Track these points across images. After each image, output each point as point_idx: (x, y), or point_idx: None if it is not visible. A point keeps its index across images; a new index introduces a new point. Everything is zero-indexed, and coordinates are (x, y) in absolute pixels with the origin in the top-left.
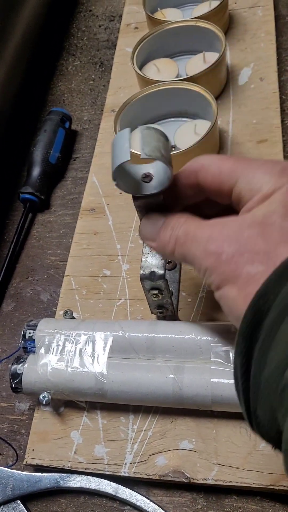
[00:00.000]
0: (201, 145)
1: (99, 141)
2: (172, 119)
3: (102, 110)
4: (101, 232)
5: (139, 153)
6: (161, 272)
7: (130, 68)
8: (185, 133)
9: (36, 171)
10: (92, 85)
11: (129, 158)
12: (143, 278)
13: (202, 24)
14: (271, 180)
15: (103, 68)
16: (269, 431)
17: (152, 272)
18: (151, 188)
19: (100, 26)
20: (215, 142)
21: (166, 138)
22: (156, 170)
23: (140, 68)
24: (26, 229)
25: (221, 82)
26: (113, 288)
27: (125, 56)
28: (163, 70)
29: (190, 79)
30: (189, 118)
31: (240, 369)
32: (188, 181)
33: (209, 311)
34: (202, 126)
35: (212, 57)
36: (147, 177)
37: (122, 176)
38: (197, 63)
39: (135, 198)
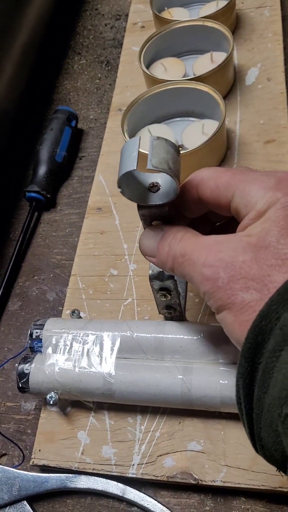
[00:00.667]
0: (209, 145)
1: (106, 140)
2: (178, 118)
3: (108, 109)
4: (108, 231)
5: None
6: (171, 273)
7: (136, 67)
8: (193, 133)
9: (42, 170)
10: (98, 84)
11: (135, 168)
12: (152, 278)
13: (210, 23)
14: (266, 195)
15: (109, 67)
16: (274, 453)
17: (161, 272)
18: (157, 198)
19: (106, 25)
20: (223, 142)
21: (176, 150)
22: (164, 180)
23: (147, 67)
24: (32, 228)
25: (229, 82)
26: (120, 287)
27: (131, 55)
28: (170, 70)
29: (197, 79)
30: (196, 118)
31: (243, 390)
32: (189, 195)
33: None
34: (209, 126)
35: (219, 57)
36: (154, 187)
37: (129, 183)
38: (205, 63)
39: (140, 207)
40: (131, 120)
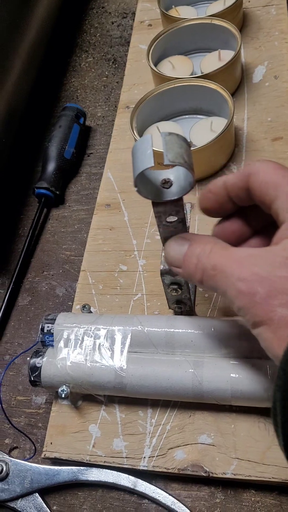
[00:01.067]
0: (217, 142)
1: (114, 137)
2: (187, 116)
3: (116, 107)
4: (117, 227)
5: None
6: None
7: (144, 65)
8: (201, 130)
9: (51, 166)
10: (105, 82)
11: (153, 164)
12: (163, 273)
13: (218, 22)
14: None
15: (116, 65)
16: None
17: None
18: (171, 194)
19: (113, 23)
20: (231, 139)
21: (188, 144)
22: (176, 176)
23: (155, 65)
24: (41, 224)
25: (236, 80)
26: (129, 283)
27: (138, 53)
28: (178, 67)
29: (205, 77)
30: (204, 115)
31: (281, 403)
32: (241, 182)
33: (226, 307)
34: (218, 123)
35: (227, 55)
36: (167, 183)
37: (142, 181)
38: (212, 61)
39: (155, 204)
40: (140, 118)
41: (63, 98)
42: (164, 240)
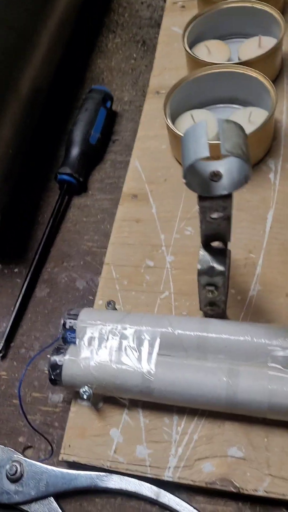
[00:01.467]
0: (256, 134)
1: (142, 124)
2: (221, 105)
3: (144, 91)
4: (143, 220)
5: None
6: (221, 268)
7: (175, 49)
8: (238, 121)
9: (75, 151)
10: (133, 65)
11: (208, 154)
12: (200, 272)
13: (259, 5)
14: None
15: (145, 47)
16: None
17: (211, 267)
18: (221, 188)
19: (142, 3)
20: (271, 132)
21: (245, 134)
22: (227, 168)
23: (190, 49)
24: (62, 212)
25: (276, 69)
26: (156, 280)
27: (170, 36)
28: (214, 53)
29: (244, 64)
30: (239, 105)
31: None
32: None
33: (260, 312)
34: (256, 115)
35: (267, 41)
36: (216, 176)
37: (192, 173)
38: (251, 47)
39: (201, 199)
40: (172, 104)
41: (88, 79)
42: (205, 238)
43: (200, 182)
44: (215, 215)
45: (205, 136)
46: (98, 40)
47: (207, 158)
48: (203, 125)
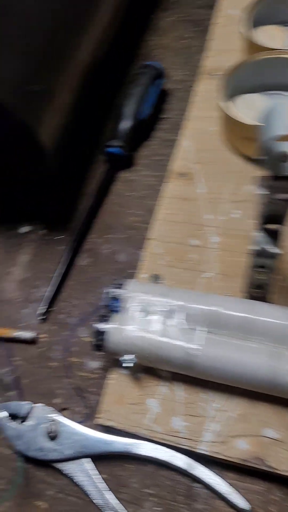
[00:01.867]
0: None
1: (194, 105)
2: (271, 92)
3: (195, 71)
4: (190, 199)
5: None
6: (276, 251)
7: (231, 32)
8: None
9: (125, 125)
10: (185, 44)
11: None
12: (254, 254)
13: None
14: None
15: (198, 28)
16: None
17: (265, 250)
18: None
19: None
20: None
21: None
22: None
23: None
24: (107, 185)
25: None
26: (200, 259)
27: (226, 18)
28: (274, 38)
29: None
30: None
31: None
32: None
33: None
34: None
35: None
36: (287, 157)
37: (267, 151)
38: None
39: (274, 178)
40: (227, 87)
41: (139, 55)
42: (265, 219)
43: (270, 161)
44: (282, 197)
45: (286, 115)
46: (151, 17)
47: (284, 138)
48: (285, 105)
